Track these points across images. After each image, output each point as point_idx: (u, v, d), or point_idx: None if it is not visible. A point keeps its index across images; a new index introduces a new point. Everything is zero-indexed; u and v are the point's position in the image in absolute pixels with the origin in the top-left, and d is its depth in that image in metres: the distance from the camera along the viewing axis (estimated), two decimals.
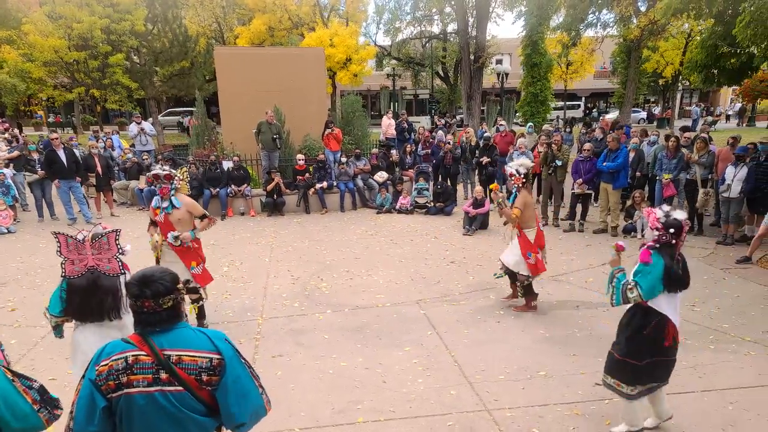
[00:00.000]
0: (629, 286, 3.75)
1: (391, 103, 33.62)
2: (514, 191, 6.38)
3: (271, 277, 8.00)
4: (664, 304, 3.78)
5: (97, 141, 13.84)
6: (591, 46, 28.63)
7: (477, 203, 10.49)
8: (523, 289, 6.53)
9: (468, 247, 9.42)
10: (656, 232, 3.79)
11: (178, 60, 23.89)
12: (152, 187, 5.67)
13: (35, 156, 11.93)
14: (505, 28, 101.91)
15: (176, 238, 5.62)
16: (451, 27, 33.73)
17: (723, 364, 5.17)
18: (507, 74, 27.68)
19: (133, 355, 2.18)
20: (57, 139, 11.18)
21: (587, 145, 10.40)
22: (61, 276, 3.55)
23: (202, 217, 5.85)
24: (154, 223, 5.74)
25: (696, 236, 9.72)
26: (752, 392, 4.66)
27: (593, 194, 10.90)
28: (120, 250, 3.60)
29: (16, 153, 12.54)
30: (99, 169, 11.75)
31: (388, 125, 17.67)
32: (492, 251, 8.69)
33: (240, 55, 14.97)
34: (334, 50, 25.70)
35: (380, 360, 5.36)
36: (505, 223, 6.86)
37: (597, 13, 24.31)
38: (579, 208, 10.39)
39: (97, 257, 3.51)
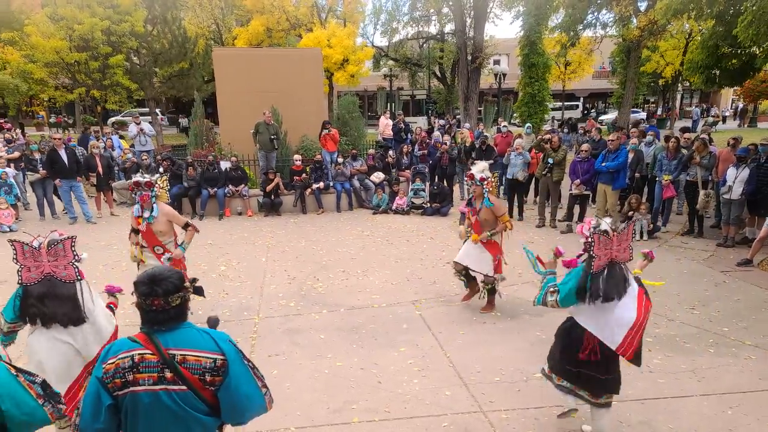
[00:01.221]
0: (551, 289, 3.75)
1: (388, 104, 33.54)
2: (485, 195, 6.29)
3: (267, 276, 7.97)
4: (579, 314, 3.72)
5: (97, 141, 13.90)
6: (590, 47, 28.52)
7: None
8: (487, 291, 6.54)
9: None
10: (582, 240, 3.73)
11: (177, 61, 23.96)
12: (133, 194, 5.65)
13: (37, 156, 12.05)
14: (503, 29, 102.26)
15: (169, 259, 5.67)
16: (449, 27, 33.71)
17: (723, 368, 5.13)
18: (504, 75, 27.65)
19: (139, 354, 2.22)
20: (59, 139, 11.42)
21: (585, 146, 10.37)
22: (18, 283, 3.50)
23: (185, 225, 5.83)
24: (135, 231, 5.71)
25: (696, 238, 9.70)
26: (752, 396, 4.62)
27: (591, 195, 10.86)
28: (76, 257, 3.54)
29: (16, 154, 12.64)
30: (100, 169, 11.79)
31: (385, 126, 17.64)
32: None
33: (238, 56, 14.95)
34: (332, 51, 25.63)
35: (376, 360, 5.33)
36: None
37: (596, 14, 24.17)
38: (577, 209, 10.35)
39: (53, 264, 3.47)
